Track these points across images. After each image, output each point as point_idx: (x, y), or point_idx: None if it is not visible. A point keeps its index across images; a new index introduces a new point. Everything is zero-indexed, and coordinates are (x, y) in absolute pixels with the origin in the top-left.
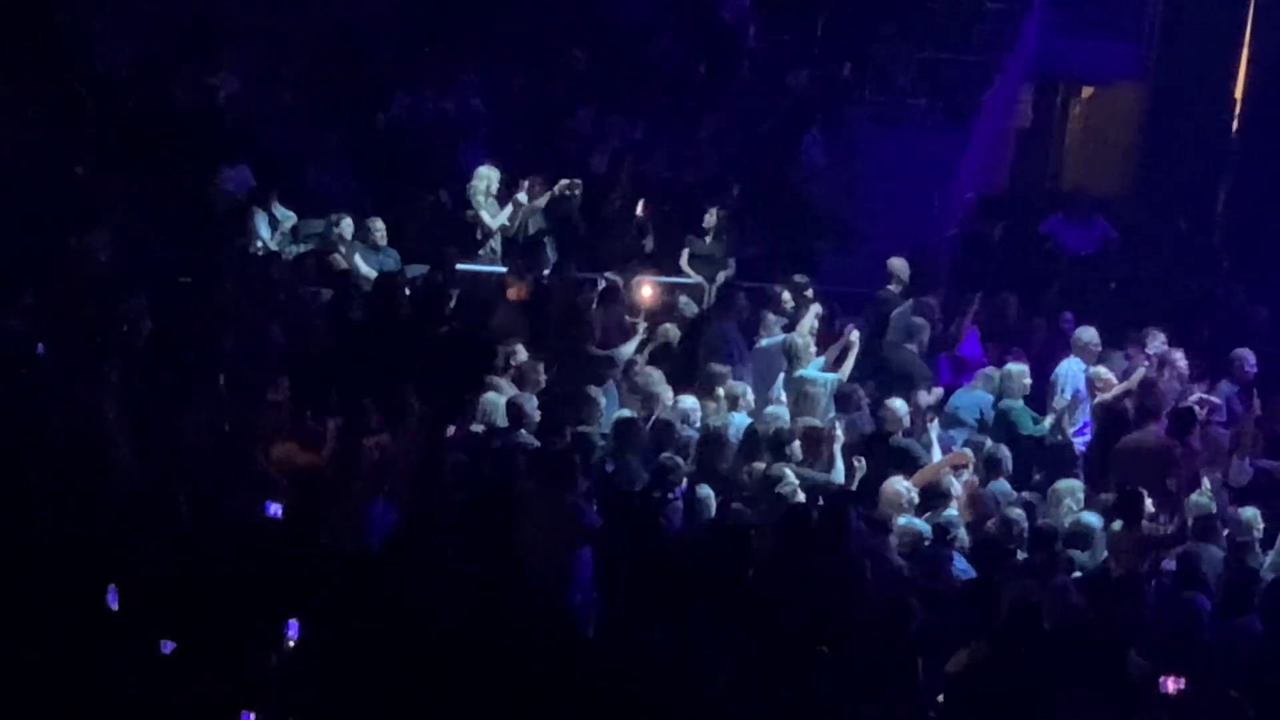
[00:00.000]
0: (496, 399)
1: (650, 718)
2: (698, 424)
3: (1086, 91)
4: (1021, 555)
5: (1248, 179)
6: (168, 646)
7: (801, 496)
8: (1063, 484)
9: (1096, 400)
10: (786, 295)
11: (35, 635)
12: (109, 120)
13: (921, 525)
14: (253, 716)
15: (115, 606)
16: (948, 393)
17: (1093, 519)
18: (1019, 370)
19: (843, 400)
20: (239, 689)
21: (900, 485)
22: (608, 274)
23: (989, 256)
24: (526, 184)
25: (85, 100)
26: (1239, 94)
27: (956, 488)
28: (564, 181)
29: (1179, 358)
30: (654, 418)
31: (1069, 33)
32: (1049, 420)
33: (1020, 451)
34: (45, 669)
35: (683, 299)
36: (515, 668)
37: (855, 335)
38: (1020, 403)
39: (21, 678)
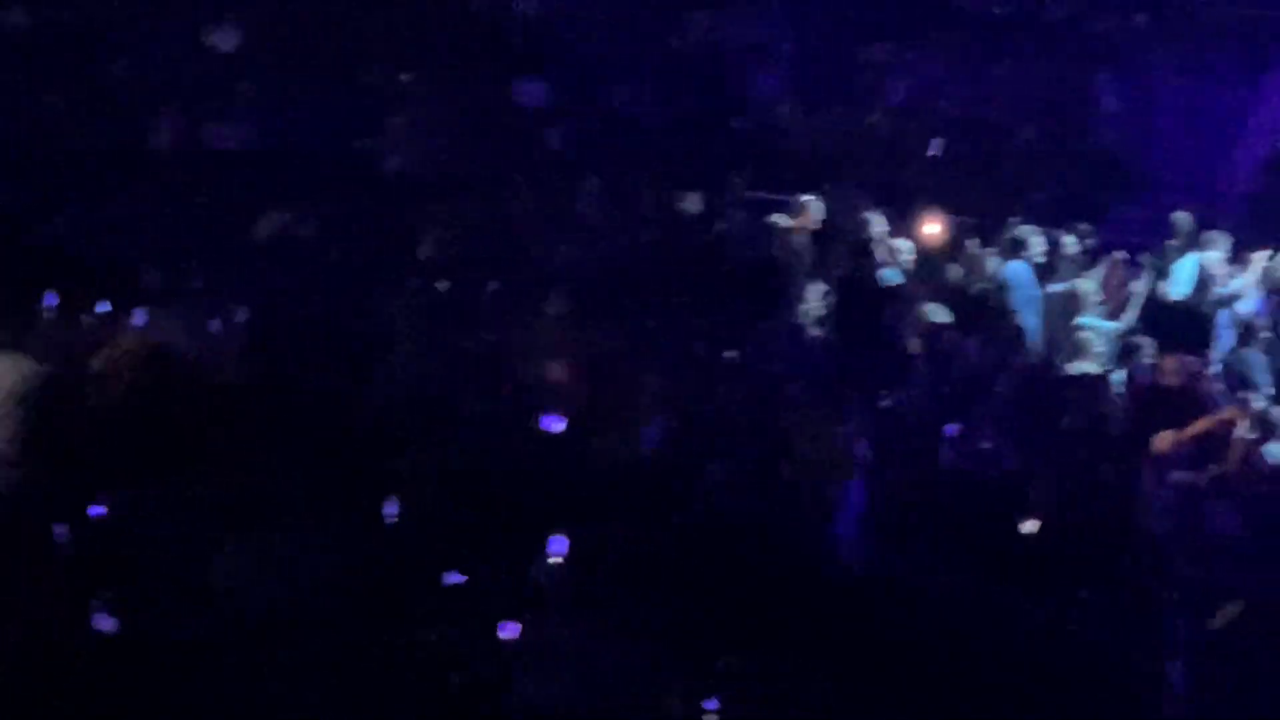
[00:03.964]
0: None
1: (901, 654)
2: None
3: None
4: None
5: None
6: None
7: None
8: None
9: None
10: (1070, 240)
11: (312, 546)
12: (403, 25)
13: None
14: (517, 627)
15: (393, 519)
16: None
17: None
18: None
19: (1124, 351)
20: (506, 599)
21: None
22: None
23: (1276, 215)
24: None
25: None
26: None
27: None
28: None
29: None
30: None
31: None
32: None
33: None
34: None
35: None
36: (774, 595)
37: (1137, 286)
38: None
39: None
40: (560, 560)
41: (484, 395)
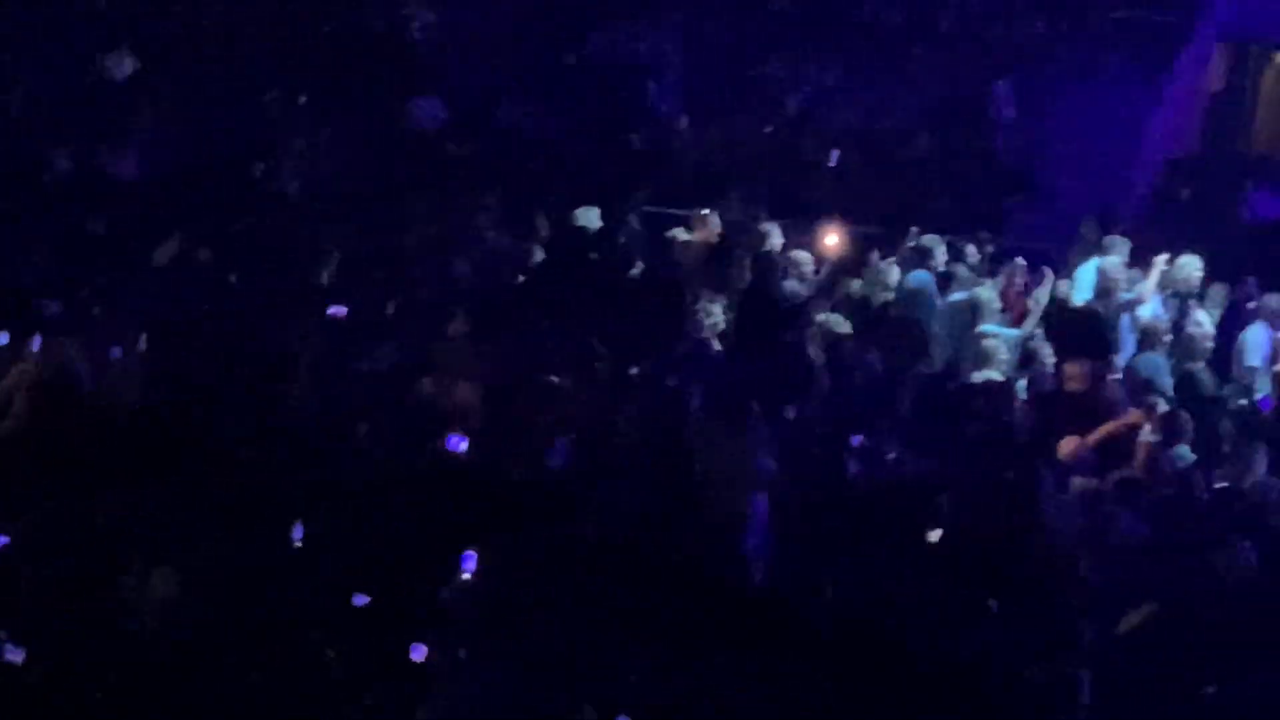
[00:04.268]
0: None
1: (810, 663)
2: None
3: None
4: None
5: None
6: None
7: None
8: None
9: (1277, 368)
10: (972, 249)
11: (219, 566)
12: (298, 48)
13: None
14: (424, 649)
15: (299, 543)
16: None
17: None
18: (1201, 333)
19: (1025, 358)
20: (413, 621)
21: None
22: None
23: (1175, 219)
24: None
25: (274, 26)
26: None
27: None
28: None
29: None
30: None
31: None
32: (1233, 385)
33: (1201, 416)
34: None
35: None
36: (683, 608)
37: (1039, 293)
38: (1202, 365)
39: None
40: (468, 578)
41: (385, 416)
